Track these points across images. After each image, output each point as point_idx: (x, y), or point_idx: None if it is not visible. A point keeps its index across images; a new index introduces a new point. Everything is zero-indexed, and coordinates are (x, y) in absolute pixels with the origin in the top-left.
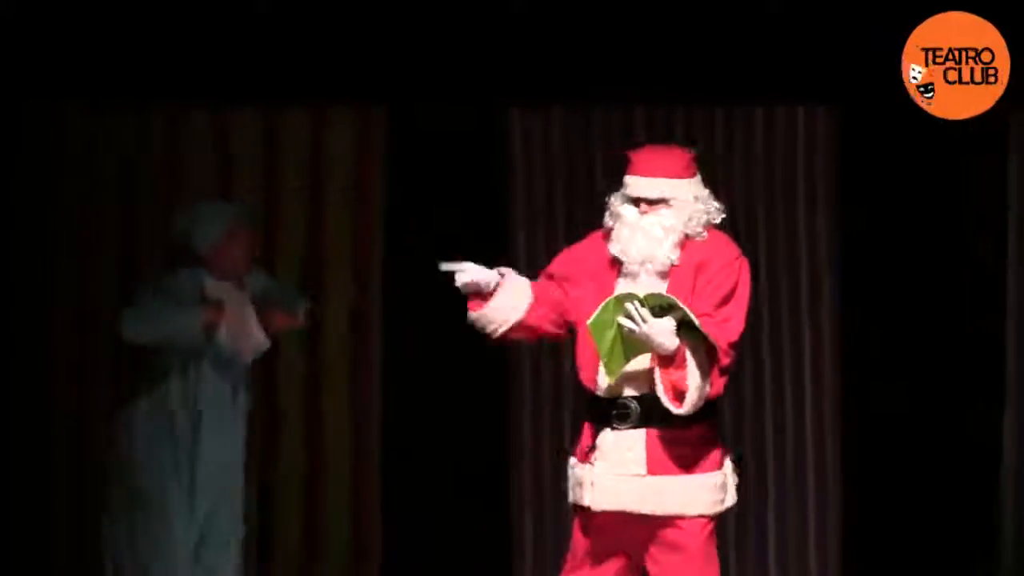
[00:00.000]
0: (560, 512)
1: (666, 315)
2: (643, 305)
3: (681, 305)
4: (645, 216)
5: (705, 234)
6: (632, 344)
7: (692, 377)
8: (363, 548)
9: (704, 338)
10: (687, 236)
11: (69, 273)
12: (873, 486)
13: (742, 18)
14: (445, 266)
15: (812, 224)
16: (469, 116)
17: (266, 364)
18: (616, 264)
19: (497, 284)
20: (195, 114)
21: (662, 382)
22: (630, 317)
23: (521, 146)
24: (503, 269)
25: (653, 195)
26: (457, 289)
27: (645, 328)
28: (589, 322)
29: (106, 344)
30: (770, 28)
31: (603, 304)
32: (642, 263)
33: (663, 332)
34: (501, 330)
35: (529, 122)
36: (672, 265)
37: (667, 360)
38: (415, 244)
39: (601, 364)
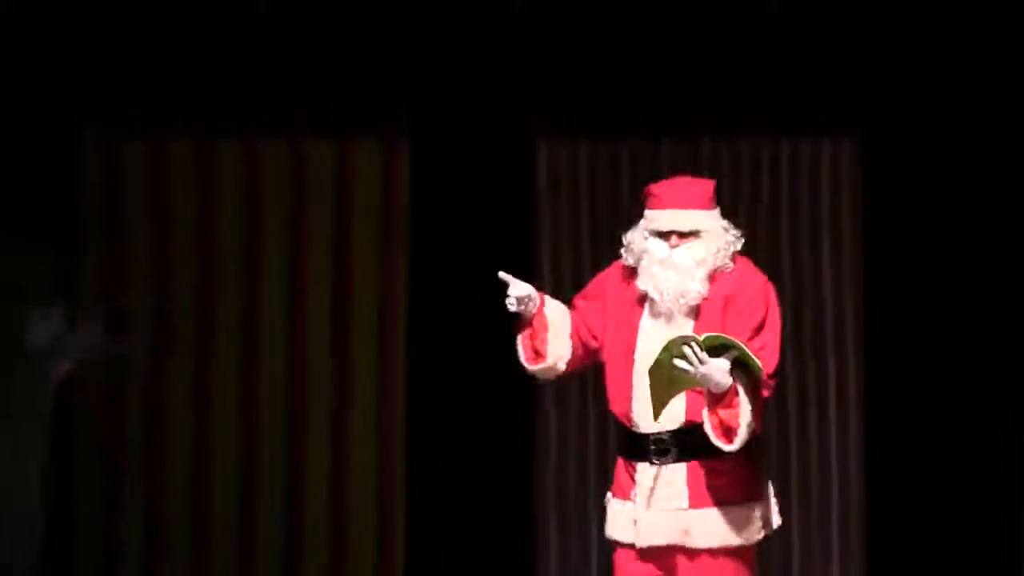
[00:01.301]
0: (583, 517)
1: (721, 354)
2: (701, 348)
3: (741, 346)
4: (676, 250)
5: (731, 265)
6: (681, 383)
7: (743, 415)
8: (387, 553)
9: (752, 374)
10: (716, 268)
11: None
12: (897, 525)
13: (767, 52)
14: (504, 275)
15: (837, 251)
16: (495, 148)
17: (294, 388)
18: (641, 301)
19: (541, 308)
20: (221, 145)
21: (710, 420)
22: (686, 358)
23: (547, 178)
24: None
25: (686, 227)
26: (481, 317)
27: (703, 369)
28: (650, 368)
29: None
30: (794, 60)
31: (664, 345)
32: (675, 299)
33: (720, 372)
34: (554, 375)
35: (555, 154)
36: (703, 299)
37: (717, 398)
38: (440, 275)
39: (635, 401)
